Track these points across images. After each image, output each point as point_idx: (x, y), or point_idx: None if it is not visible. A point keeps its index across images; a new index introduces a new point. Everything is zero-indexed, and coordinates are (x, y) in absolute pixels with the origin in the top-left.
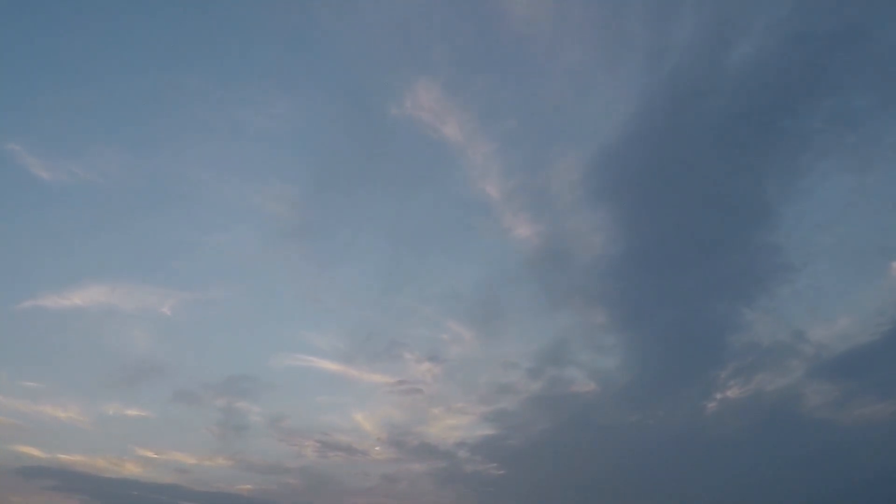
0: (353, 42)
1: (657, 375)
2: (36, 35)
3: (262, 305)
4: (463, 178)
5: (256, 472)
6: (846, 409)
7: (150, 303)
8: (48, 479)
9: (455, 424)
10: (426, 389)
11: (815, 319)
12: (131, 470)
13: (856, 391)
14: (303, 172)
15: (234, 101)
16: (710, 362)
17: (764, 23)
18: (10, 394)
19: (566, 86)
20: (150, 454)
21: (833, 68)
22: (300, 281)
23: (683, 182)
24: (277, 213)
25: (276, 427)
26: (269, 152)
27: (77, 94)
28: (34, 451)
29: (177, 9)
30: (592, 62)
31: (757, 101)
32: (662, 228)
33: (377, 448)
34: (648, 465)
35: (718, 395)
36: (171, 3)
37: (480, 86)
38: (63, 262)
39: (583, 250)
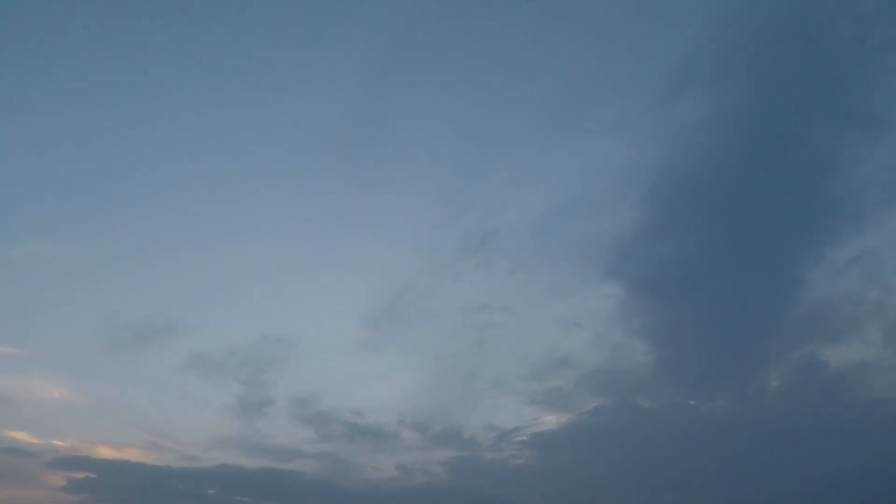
0: None
1: (712, 348)
2: None
3: (296, 251)
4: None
5: (271, 458)
6: None
7: (162, 249)
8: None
9: (500, 405)
10: (470, 361)
11: None
12: (134, 456)
13: None
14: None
15: None
16: (770, 330)
17: None
18: None
19: None
20: (155, 438)
21: None
22: (341, 215)
23: (790, 77)
24: (326, 108)
25: (301, 404)
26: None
27: None
28: (24, 436)
29: None
30: None
31: None
32: (758, 134)
33: (404, 434)
34: (692, 449)
35: (777, 371)
36: None
37: None
38: (52, 195)
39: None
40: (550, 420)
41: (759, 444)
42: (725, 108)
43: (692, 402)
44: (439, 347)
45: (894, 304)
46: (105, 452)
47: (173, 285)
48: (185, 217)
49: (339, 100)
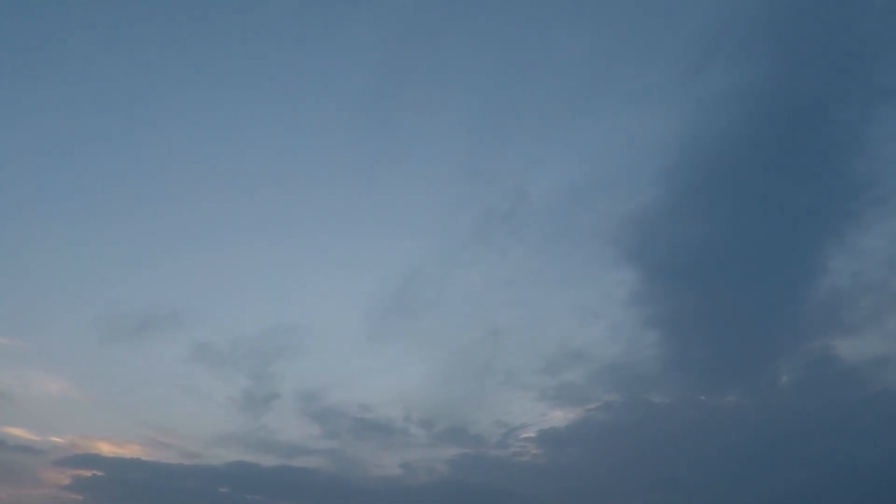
0: None
1: (724, 339)
2: None
3: (303, 241)
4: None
5: (277, 455)
6: None
7: (168, 240)
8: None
9: (510, 400)
10: (481, 354)
11: None
12: (135, 453)
13: None
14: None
15: None
16: (785, 321)
17: None
18: None
19: None
20: (157, 434)
21: None
22: (349, 204)
23: (819, 48)
24: (336, 94)
25: (308, 399)
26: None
27: None
28: (22, 432)
29: None
30: None
31: None
32: (783, 110)
33: (410, 430)
34: (702, 446)
35: (790, 365)
36: None
37: None
38: (53, 186)
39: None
40: (559, 416)
41: (770, 440)
42: (751, 81)
43: (702, 398)
44: (449, 339)
45: None
46: (105, 449)
47: (178, 275)
48: (191, 209)
49: (350, 85)
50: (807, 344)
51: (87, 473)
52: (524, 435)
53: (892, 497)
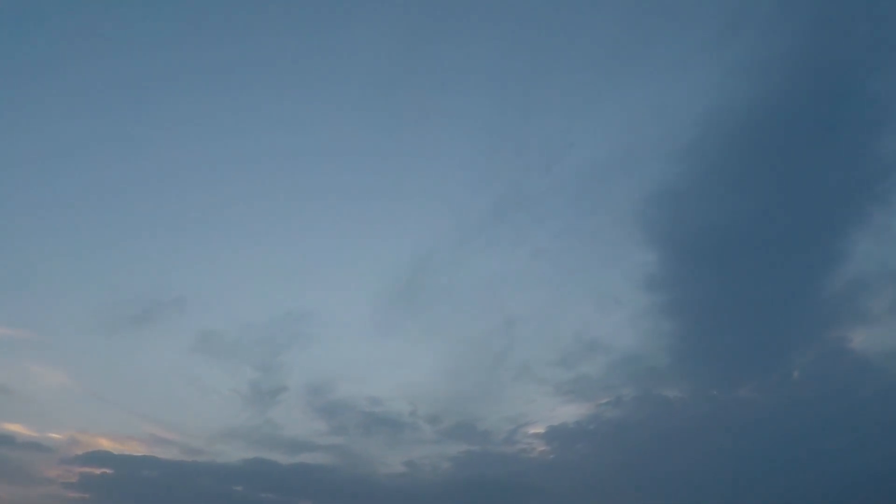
0: None
1: (740, 328)
2: None
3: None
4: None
5: (282, 451)
6: None
7: (170, 222)
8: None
9: (523, 394)
10: (495, 344)
11: None
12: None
13: None
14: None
15: None
16: (804, 310)
17: None
18: None
19: None
20: (159, 430)
21: None
22: (359, 189)
23: (853, 15)
24: (350, 73)
25: (315, 392)
26: None
27: None
28: (18, 427)
29: None
30: None
31: None
32: (813, 82)
33: (418, 426)
34: (711, 443)
35: (806, 358)
36: None
37: None
38: (53, 174)
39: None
40: (569, 411)
41: (782, 435)
42: (780, 52)
43: (714, 392)
44: (462, 329)
45: None
46: (105, 445)
47: (182, 261)
48: (196, 193)
49: (366, 63)
50: (823, 334)
51: (96, 471)
52: (532, 431)
53: None
